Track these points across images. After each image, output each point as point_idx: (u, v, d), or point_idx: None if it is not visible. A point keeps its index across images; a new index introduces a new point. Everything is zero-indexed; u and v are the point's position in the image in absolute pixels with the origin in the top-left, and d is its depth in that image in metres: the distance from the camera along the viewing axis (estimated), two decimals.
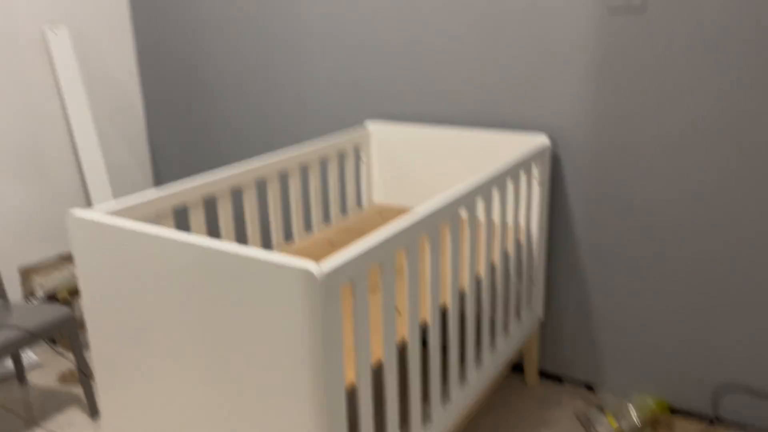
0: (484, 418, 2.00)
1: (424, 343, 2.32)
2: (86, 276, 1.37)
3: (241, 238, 2.77)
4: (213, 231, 2.86)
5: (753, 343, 1.83)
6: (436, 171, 2.15)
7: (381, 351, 1.34)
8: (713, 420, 1.92)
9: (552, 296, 2.12)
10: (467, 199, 1.50)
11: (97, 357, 1.43)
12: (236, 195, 2.72)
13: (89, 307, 1.40)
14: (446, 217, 1.42)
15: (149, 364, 1.34)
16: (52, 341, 2.51)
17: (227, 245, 1.14)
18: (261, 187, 2.64)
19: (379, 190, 2.29)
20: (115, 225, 1.27)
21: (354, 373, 1.22)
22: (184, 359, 1.27)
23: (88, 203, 2.74)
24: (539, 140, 1.94)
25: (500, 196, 1.70)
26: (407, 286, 1.32)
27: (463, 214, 2.09)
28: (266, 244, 2.68)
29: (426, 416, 1.51)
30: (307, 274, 1.04)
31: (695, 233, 1.83)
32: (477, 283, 2.03)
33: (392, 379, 1.31)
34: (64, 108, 2.61)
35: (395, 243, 1.25)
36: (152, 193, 1.52)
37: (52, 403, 2.12)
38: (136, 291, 1.30)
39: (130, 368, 1.38)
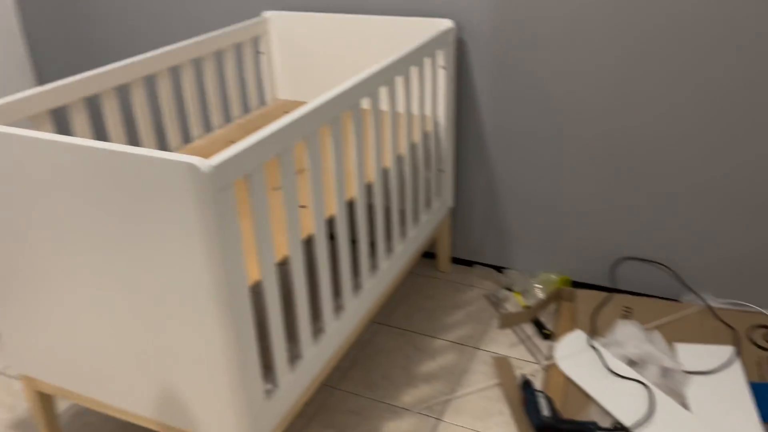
0: (399, 305, 2.06)
1: (334, 236, 2.32)
2: None
3: (134, 142, 2.61)
4: (101, 135, 2.68)
5: (646, 219, 1.93)
6: (342, 62, 2.06)
7: (286, 247, 1.32)
8: (611, 290, 2.06)
9: (461, 184, 2.14)
10: (369, 88, 1.45)
11: None
12: (124, 95, 2.53)
13: None
14: (347, 106, 1.36)
15: (44, 277, 1.26)
16: None
17: (105, 144, 1.05)
18: (151, 85, 2.46)
19: (283, 86, 2.19)
20: None
21: (258, 270, 1.20)
22: (79, 268, 1.20)
23: None
24: (443, 24, 1.88)
25: (404, 83, 1.65)
26: (310, 179, 1.28)
27: (366, 104, 2.04)
28: (162, 147, 2.54)
29: (338, 307, 1.53)
30: (193, 170, 0.98)
31: (597, 112, 1.87)
32: (384, 174, 2.02)
33: (299, 273, 1.30)
34: None
35: (292, 134, 1.19)
36: (24, 94, 1.37)
37: None
38: (15, 200, 1.20)
39: (23, 282, 1.30)
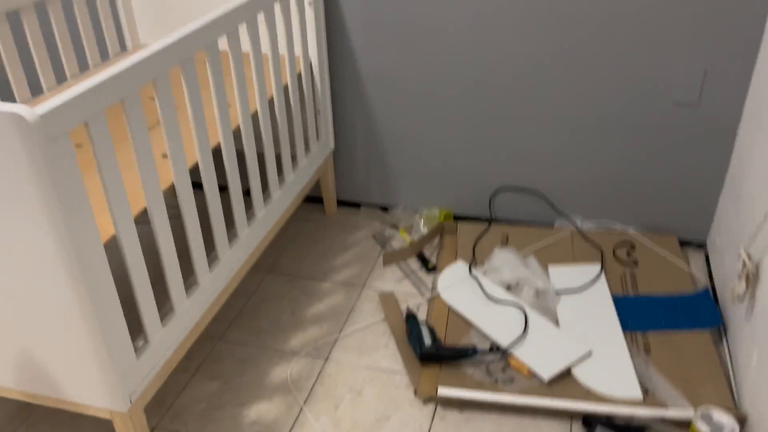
0: (286, 251, 2.04)
1: (201, 185, 2.25)
2: None
3: None
4: None
5: (519, 150, 2.00)
6: (208, 3, 1.95)
7: (144, 201, 1.26)
8: (491, 221, 2.13)
9: (341, 126, 2.12)
10: (226, 25, 1.37)
11: None
12: None
13: None
14: (200, 45, 1.29)
15: None
16: None
17: None
18: None
19: (145, 30, 2.05)
20: None
21: (113, 226, 1.13)
22: None
23: None
24: None
25: (268, 20, 1.58)
26: (163, 125, 1.22)
27: (225, 46, 1.95)
28: (8, 101, 2.34)
29: (212, 258, 1.49)
30: (18, 120, 0.90)
31: (466, 49, 1.88)
32: (253, 119, 1.96)
33: (163, 226, 1.25)
34: None
35: (137, 76, 1.11)
36: None
37: None
38: None
39: None
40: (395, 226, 2.15)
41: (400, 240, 2.09)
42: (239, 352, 1.66)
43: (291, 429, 1.44)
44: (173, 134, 1.24)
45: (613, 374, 1.50)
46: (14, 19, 1.77)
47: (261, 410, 1.49)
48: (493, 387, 1.49)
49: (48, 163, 0.93)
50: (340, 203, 2.28)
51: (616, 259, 1.89)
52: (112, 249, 1.20)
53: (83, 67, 2.20)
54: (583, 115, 1.89)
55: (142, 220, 1.33)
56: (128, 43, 2.03)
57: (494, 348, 1.58)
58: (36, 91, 2.30)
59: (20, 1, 1.61)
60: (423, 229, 2.10)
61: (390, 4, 1.87)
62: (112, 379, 1.14)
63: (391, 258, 1.93)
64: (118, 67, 1.08)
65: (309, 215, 2.23)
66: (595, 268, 1.85)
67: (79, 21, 1.81)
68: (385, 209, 2.24)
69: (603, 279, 1.81)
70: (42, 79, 1.72)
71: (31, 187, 0.95)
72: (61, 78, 2.24)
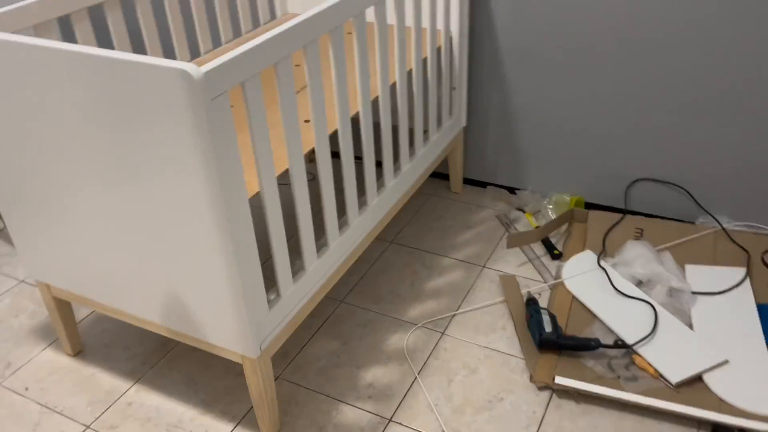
0: (410, 224, 2.06)
1: (338, 154, 2.31)
2: None
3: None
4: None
5: (663, 140, 1.88)
6: None
7: (287, 162, 1.32)
8: (625, 211, 2.03)
9: (475, 103, 2.10)
10: None
11: None
12: (128, 6, 2.49)
13: None
14: (349, 15, 1.32)
15: (53, 185, 1.29)
16: None
17: (98, 50, 1.04)
18: None
19: (294, 0, 2.13)
20: None
21: (258, 184, 1.20)
22: (84, 177, 1.22)
23: None
24: None
25: None
26: (310, 90, 1.26)
27: (372, 17, 1.98)
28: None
29: (343, 224, 1.54)
30: (184, 76, 0.97)
31: (615, 33, 1.79)
32: (391, 90, 1.98)
33: (301, 187, 1.30)
34: None
35: (290, 42, 1.16)
36: (27, 2, 1.36)
37: None
38: (22, 107, 1.21)
39: (33, 190, 1.33)
40: (521, 209, 2.11)
41: (526, 223, 2.05)
42: (359, 316, 1.71)
43: (404, 396, 1.48)
44: (317, 100, 1.29)
45: (750, 386, 1.39)
46: None
47: (376, 374, 1.54)
48: (615, 383, 1.43)
49: (209, 118, 1.00)
50: (467, 181, 2.27)
51: (765, 264, 1.74)
52: (252, 207, 1.27)
53: (236, 33, 2.33)
54: (740, 106, 1.74)
55: (280, 182, 1.40)
56: (277, 12, 2.12)
57: (618, 343, 1.51)
58: (194, 54, 2.47)
59: None
60: (551, 214, 2.04)
61: None
62: (247, 326, 1.22)
63: (516, 241, 1.90)
64: (273, 32, 1.13)
65: (434, 191, 2.24)
66: (739, 272, 1.71)
67: None
68: (512, 191, 2.20)
69: (747, 284, 1.67)
70: (201, 44, 1.84)
71: (192, 140, 1.03)
72: (216, 43, 2.38)
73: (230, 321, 1.24)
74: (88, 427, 1.44)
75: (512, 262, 1.88)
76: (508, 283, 1.78)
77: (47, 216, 1.34)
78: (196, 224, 1.13)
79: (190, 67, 0.97)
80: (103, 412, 1.47)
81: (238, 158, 1.09)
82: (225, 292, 1.19)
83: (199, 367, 1.58)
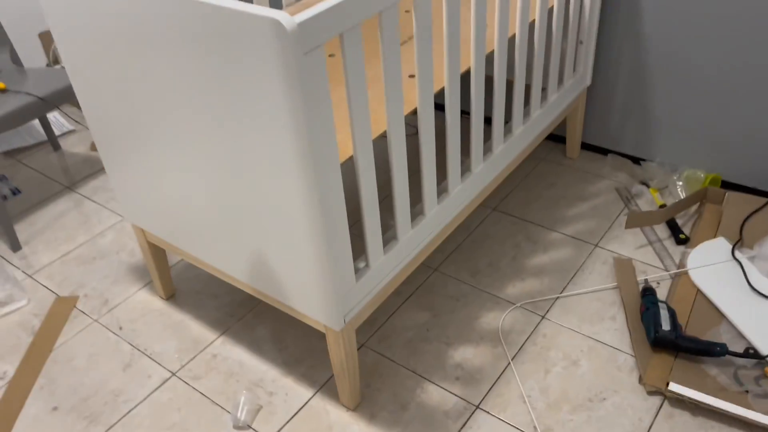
0: (516, 190, 1.90)
1: (442, 108, 2.16)
2: (63, 37, 1.23)
3: None
4: None
5: None
6: None
7: (385, 122, 1.20)
8: None
9: (603, 59, 1.86)
10: None
11: (93, 125, 1.35)
12: None
13: (73, 73, 1.28)
14: None
15: (146, 132, 1.25)
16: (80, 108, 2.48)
17: None
18: None
19: None
20: None
21: (353, 146, 1.09)
22: (177, 125, 1.17)
23: None
24: None
25: None
26: (417, 42, 1.12)
27: None
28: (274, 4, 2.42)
29: (442, 190, 1.41)
30: (276, 27, 0.86)
31: None
32: (509, 43, 1.79)
33: (399, 152, 1.18)
34: None
35: None
36: None
37: (84, 169, 2.15)
38: (112, 52, 1.16)
39: (129, 135, 1.30)
40: (645, 183, 1.88)
41: (650, 200, 1.83)
42: (453, 288, 1.60)
43: (495, 382, 1.37)
44: (425, 53, 1.14)
45: None
46: None
47: (466, 354, 1.43)
48: (741, 398, 1.25)
49: (300, 73, 0.89)
50: (585, 146, 2.05)
51: None
52: (344, 168, 1.17)
53: None
54: None
55: (375, 140, 1.28)
56: None
57: (750, 352, 1.31)
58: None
59: None
60: (680, 192, 1.80)
61: None
62: (331, 297, 1.15)
63: (636, 220, 1.70)
64: None
65: (546, 154, 2.04)
66: None
67: None
68: (636, 161, 1.97)
69: None
70: None
71: (281, 96, 0.93)
72: None
73: (314, 290, 1.16)
74: (173, 374, 1.44)
75: (630, 243, 1.69)
76: (623, 267, 1.60)
77: (141, 161, 1.31)
78: (283, 185, 1.05)
79: (282, 17, 0.86)
80: (189, 361, 1.47)
81: (331, 118, 0.99)
82: (310, 260, 1.12)
83: (285, 325, 1.54)
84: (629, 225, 1.71)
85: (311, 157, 0.97)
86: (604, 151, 2.02)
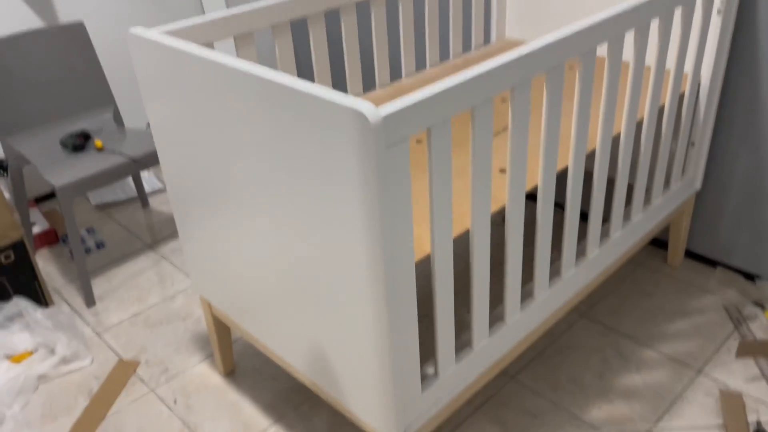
0: (608, 296, 1.73)
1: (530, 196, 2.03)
2: (150, 100, 1.24)
3: (339, 71, 2.52)
4: (303, 62, 2.62)
5: None
6: (587, 3, 1.71)
7: (469, 219, 1.10)
8: None
9: (715, 162, 1.70)
10: (611, 30, 1.13)
11: (170, 188, 1.34)
12: (332, 19, 2.43)
13: (157, 133, 1.28)
14: (576, 52, 1.07)
15: (219, 204, 1.21)
16: None
17: (272, 73, 0.91)
18: (363, 10, 2.32)
19: (513, 23, 1.90)
20: (168, 45, 1.09)
21: (429, 244, 1.00)
22: (250, 201, 1.12)
23: None
24: None
25: (660, 28, 1.28)
26: (511, 138, 1.04)
27: (603, 51, 1.68)
28: (368, 80, 2.42)
29: (527, 294, 1.28)
30: (359, 118, 0.80)
31: None
32: (613, 142, 1.67)
33: (482, 254, 1.08)
34: None
35: (496, 81, 0.95)
36: (224, 12, 1.31)
37: (167, 229, 2.17)
38: (194, 117, 1.14)
39: (203, 205, 1.27)
40: (760, 305, 1.67)
41: (765, 325, 1.61)
42: (530, 402, 1.44)
43: None
44: (519, 150, 1.05)
45: None
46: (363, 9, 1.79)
47: None
48: None
49: (381, 166, 0.82)
50: (689, 255, 1.87)
51: None
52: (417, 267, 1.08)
53: (444, 55, 2.16)
54: None
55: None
56: (492, 35, 1.92)
57: None
58: (395, 73, 2.35)
59: None
60: None
61: None
62: (392, 406, 1.03)
63: (749, 349, 1.49)
64: (474, 71, 0.92)
65: (645, 259, 1.87)
66: None
67: (452, 6, 1.74)
68: (750, 277, 1.76)
69: None
70: (403, 64, 1.69)
71: (358, 186, 0.86)
72: (420, 63, 2.24)
73: (373, 394, 1.05)
74: None
75: (739, 374, 1.47)
76: (732, 403, 1.39)
77: (212, 231, 1.27)
78: (350, 276, 0.97)
79: (367, 109, 0.79)
80: None
81: (410, 215, 0.90)
82: (372, 361, 1.01)
83: (343, 421, 1.43)
84: (741, 354, 1.50)
85: (383, 254, 0.89)
86: (711, 263, 1.83)
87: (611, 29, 1.13)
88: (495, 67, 0.93)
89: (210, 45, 1.31)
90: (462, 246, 1.87)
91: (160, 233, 2.16)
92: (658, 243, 1.91)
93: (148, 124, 2.47)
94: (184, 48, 1.06)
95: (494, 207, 1.16)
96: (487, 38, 2.01)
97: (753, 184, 1.65)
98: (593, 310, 1.70)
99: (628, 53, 1.69)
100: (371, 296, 0.94)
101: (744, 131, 1.61)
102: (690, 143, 1.62)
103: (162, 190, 2.43)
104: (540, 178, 1.15)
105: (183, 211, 1.33)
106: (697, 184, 1.69)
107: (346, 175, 0.87)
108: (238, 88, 0.98)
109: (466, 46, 2.09)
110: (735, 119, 1.62)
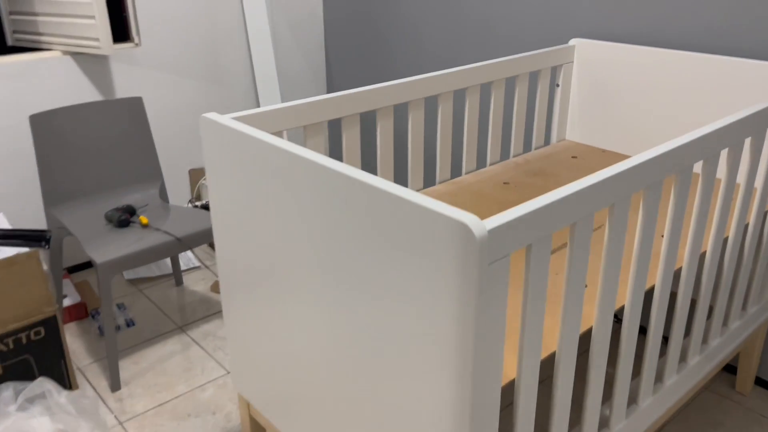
0: (673, 424, 1.59)
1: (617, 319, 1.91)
2: (215, 184, 1.18)
3: (401, 165, 2.50)
4: (367, 154, 2.62)
5: None
6: (652, 107, 1.67)
7: (555, 341, 1.01)
8: None
9: None
10: (707, 147, 1.06)
11: (222, 272, 1.26)
12: (400, 113, 2.43)
13: (216, 215, 1.21)
14: (674, 169, 1.00)
15: (272, 290, 1.13)
16: (212, 247, 2.49)
17: (354, 171, 0.85)
18: (430, 106, 2.32)
19: (574, 125, 1.86)
20: (238, 130, 1.04)
21: (516, 367, 0.90)
22: (309, 292, 1.03)
23: None
24: None
25: (752, 147, 1.22)
26: (606, 253, 0.95)
27: (697, 168, 1.62)
28: (429, 175, 2.39)
29: (603, 423, 1.16)
30: (463, 230, 0.72)
31: None
32: (699, 261, 1.57)
33: (567, 377, 0.97)
34: (243, 16, 2.47)
35: (599, 196, 0.87)
36: (294, 103, 1.28)
37: (199, 310, 2.08)
38: (257, 203, 1.07)
39: (252, 288, 1.18)
40: None
41: None
42: None
43: None
44: (612, 267, 0.97)
45: None
46: (458, 98, 1.76)
47: None
48: None
49: (481, 283, 0.74)
50: (759, 382, 1.72)
51: None
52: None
53: (504, 154, 2.12)
54: None
55: None
56: (553, 136, 1.87)
57: None
58: (457, 171, 2.31)
59: (468, 80, 1.56)
60: None
61: None
62: None
63: None
64: (576, 185, 0.85)
65: (712, 384, 1.73)
66: None
67: (515, 107, 1.70)
68: None
69: None
70: (464, 159, 1.64)
71: (454, 301, 0.77)
72: (480, 160, 2.20)
73: None
74: None
75: None
76: None
77: (261, 322, 1.18)
78: (423, 393, 0.86)
79: (471, 221, 0.72)
80: None
81: (503, 339, 0.81)
82: None
83: None
84: None
85: (472, 379, 0.79)
86: None
87: (709, 146, 1.06)
88: (599, 181, 0.87)
89: (280, 134, 1.27)
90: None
91: (192, 315, 2.07)
92: (727, 367, 1.78)
93: (191, 199, 2.44)
94: (267, 139, 1.01)
95: (582, 327, 1.06)
96: (547, 139, 1.97)
97: None
98: None
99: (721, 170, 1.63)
100: (449, 415, 0.83)
101: None
102: None
103: (197, 268, 2.36)
104: (628, 298, 1.05)
105: (232, 301, 1.25)
106: None
107: (439, 288, 0.78)
108: (321, 183, 0.92)
109: (527, 146, 2.05)
110: None
